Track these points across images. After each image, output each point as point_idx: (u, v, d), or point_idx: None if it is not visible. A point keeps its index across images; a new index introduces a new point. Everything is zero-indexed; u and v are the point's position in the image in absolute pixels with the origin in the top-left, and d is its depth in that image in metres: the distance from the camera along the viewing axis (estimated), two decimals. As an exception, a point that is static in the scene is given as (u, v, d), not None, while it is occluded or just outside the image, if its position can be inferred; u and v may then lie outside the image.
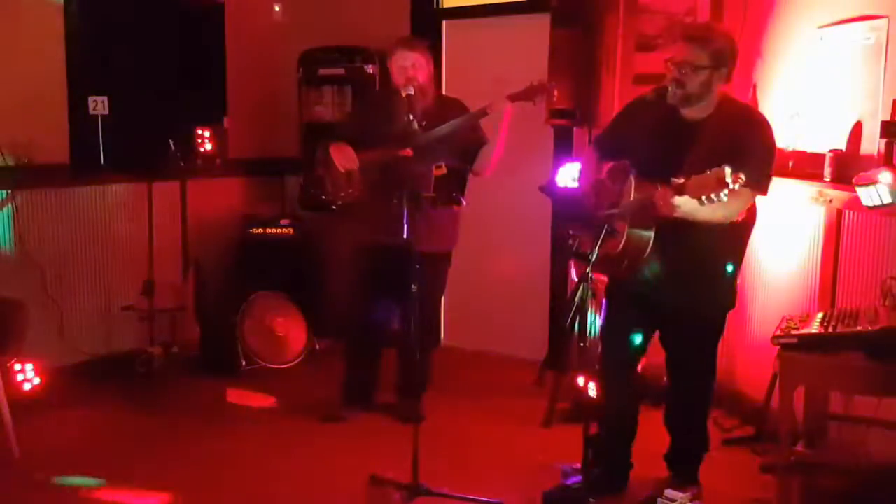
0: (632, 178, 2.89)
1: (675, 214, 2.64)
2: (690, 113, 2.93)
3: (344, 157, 3.92)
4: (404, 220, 3.20)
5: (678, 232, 2.82)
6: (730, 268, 2.97)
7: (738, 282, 3.13)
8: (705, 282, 2.94)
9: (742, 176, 2.43)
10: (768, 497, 3.30)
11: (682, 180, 2.55)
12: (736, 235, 2.96)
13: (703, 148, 2.78)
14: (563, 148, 4.55)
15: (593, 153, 3.26)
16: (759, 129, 2.90)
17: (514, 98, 3.65)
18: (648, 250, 2.82)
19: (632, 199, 2.84)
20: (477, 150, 3.88)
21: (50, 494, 3.39)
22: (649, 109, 3.03)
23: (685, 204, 2.58)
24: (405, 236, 3.24)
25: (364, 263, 4.09)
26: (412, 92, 3.69)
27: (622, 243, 2.82)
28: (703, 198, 2.46)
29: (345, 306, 4.25)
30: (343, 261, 4.24)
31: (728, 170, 2.41)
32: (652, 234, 2.80)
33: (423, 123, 3.71)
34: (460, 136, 3.81)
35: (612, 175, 3.08)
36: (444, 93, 4.97)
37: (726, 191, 2.42)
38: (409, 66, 3.80)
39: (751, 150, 2.76)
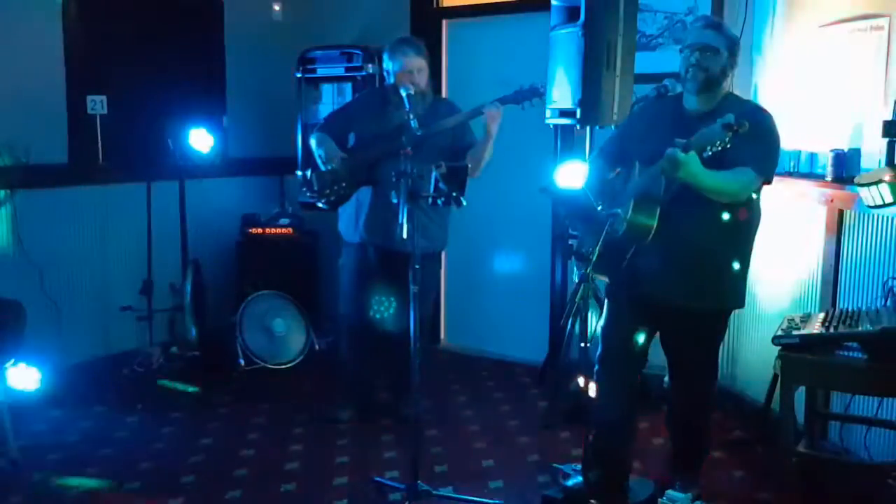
0: (636, 168, 2.91)
1: (680, 174, 2.64)
2: (696, 105, 2.94)
3: (325, 154, 3.87)
4: (399, 220, 3.18)
5: (681, 225, 2.82)
6: (734, 266, 2.96)
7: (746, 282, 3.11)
8: (707, 278, 2.93)
9: (746, 123, 2.51)
10: (769, 497, 3.30)
11: (685, 141, 2.62)
12: (740, 232, 2.94)
13: None
14: (564, 148, 4.54)
15: (599, 161, 3.26)
16: (763, 117, 2.90)
17: (503, 101, 3.71)
18: (650, 236, 2.81)
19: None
20: (465, 150, 3.86)
21: (48, 495, 3.37)
22: (653, 107, 3.08)
23: (690, 163, 2.60)
24: (404, 237, 3.21)
25: (358, 263, 4.04)
26: (412, 91, 3.67)
27: (624, 229, 2.82)
28: (709, 147, 2.57)
29: (342, 307, 4.23)
30: (339, 260, 4.20)
31: (732, 116, 2.50)
32: (655, 221, 2.80)
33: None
34: (451, 136, 3.84)
35: (619, 176, 3.11)
36: (444, 93, 4.99)
37: (730, 135, 2.50)
38: (416, 73, 3.80)
39: (755, 135, 2.76)
